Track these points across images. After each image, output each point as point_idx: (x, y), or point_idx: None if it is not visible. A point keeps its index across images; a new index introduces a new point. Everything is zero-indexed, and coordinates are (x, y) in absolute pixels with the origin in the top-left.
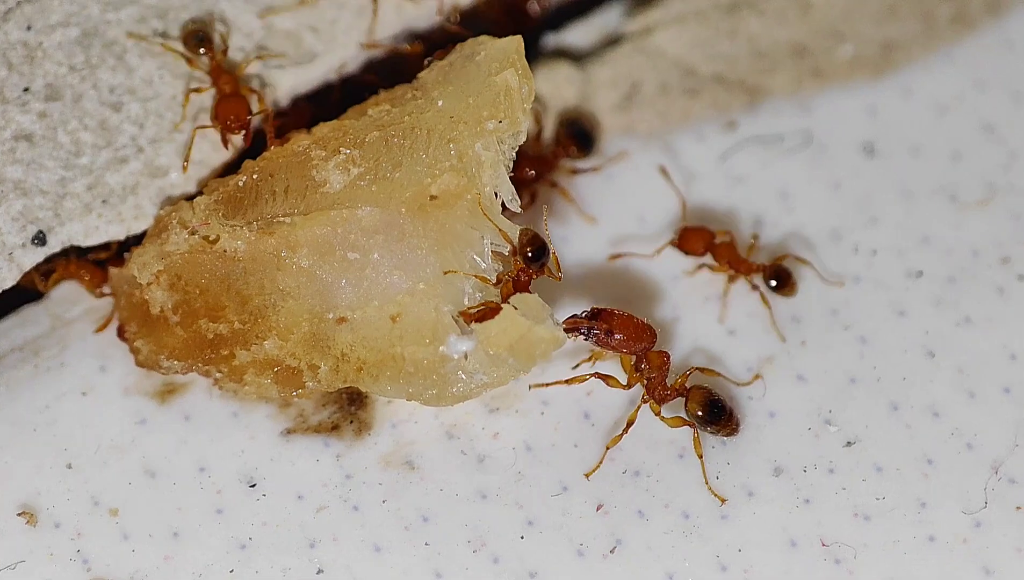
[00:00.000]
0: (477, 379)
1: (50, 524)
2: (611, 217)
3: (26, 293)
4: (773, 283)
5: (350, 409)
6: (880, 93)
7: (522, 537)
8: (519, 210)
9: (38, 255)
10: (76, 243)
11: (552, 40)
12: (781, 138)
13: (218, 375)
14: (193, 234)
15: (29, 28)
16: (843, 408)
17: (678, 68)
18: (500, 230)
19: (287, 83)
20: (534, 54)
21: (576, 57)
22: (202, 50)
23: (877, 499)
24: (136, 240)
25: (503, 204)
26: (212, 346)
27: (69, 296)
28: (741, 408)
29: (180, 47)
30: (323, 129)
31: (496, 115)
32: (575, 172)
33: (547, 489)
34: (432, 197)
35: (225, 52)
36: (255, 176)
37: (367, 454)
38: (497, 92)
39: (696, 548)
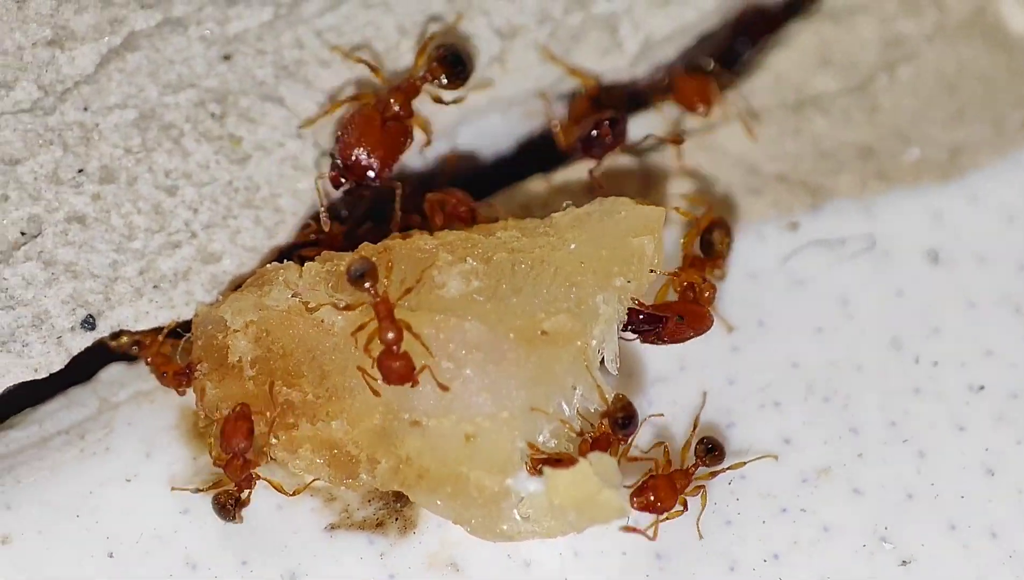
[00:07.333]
0: (528, 526)
1: None
2: None
3: (74, 375)
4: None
5: (395, 506)
6: (946, 198)
7: None
8: (615, 373)
9: (87, 339)
10: (126, 328)
11: None
12: (843, 241)
13: (274, 440)
14: (295, 296)
15: (86, 109)
16: (899, 525)
17: (740, 166)
18: (598, 387)
19: None
20: None
21: (637, 151)
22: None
23: None
24: (185, 327)
25: (602, 361)
26: (279, 410)
27: (118, 379)
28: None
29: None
30: (449, 236)
31: (625, 273)
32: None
33: None
34: (543, 332)
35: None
36: (374, 259)
37: (411, 553)
38: (631, 253)
39: None
